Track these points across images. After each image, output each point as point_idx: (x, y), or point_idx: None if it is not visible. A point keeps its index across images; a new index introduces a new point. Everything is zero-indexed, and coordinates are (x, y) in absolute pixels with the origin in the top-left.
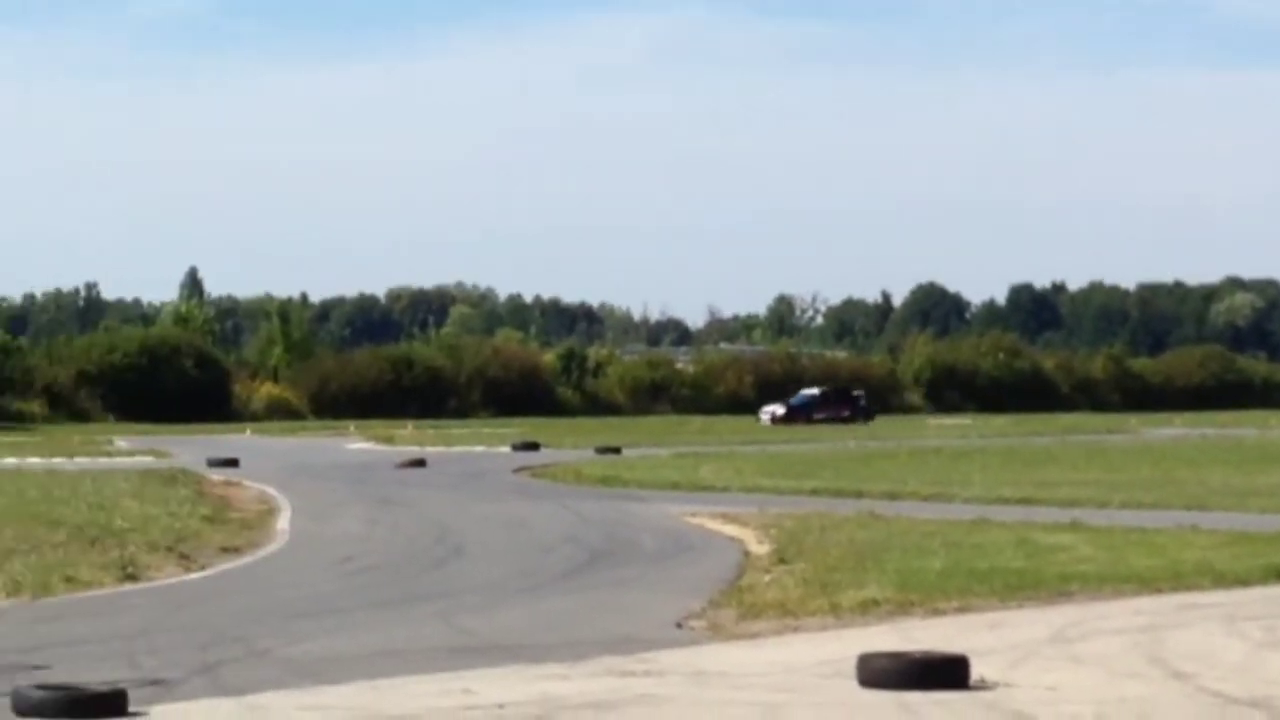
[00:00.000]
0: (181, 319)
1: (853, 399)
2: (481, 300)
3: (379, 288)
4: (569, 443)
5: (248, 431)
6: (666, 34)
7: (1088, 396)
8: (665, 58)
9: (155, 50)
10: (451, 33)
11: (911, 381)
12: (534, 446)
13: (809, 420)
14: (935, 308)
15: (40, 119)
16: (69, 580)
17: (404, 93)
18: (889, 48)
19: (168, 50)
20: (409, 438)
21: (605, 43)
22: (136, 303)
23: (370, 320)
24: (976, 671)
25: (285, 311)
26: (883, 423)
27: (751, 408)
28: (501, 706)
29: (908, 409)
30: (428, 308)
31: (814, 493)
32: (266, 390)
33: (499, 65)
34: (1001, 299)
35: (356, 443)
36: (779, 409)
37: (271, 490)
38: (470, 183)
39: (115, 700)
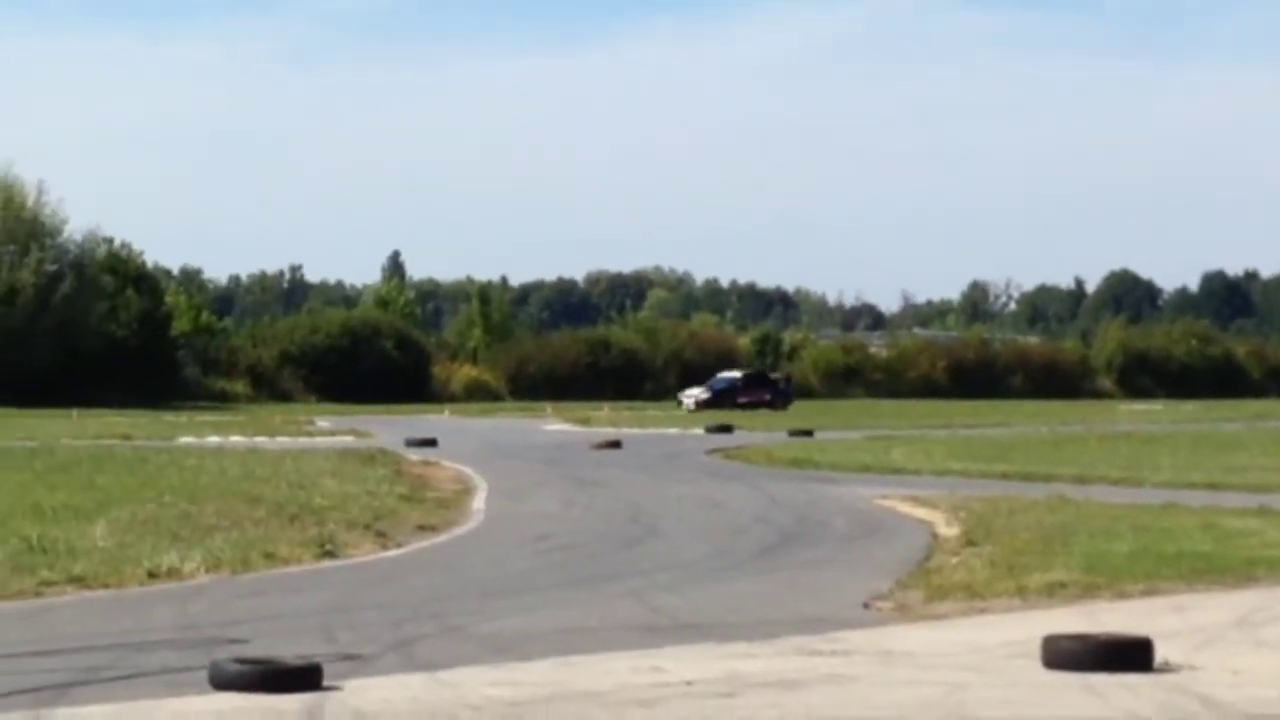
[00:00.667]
0: (383, 301)
1: (772, 383)
2: (679, 284)
3: (578, 271)
4: (762, 425)
5: (446, 412)
6: (863, 24)
7: (1278, 383)
8: (862, 48)
9: (359, 38)
10: (646, 22)
11: (1104, 367)
12: (728, 429)
13: (733, 404)
14: (1128, 294)
15: (246, 108)
16: (268, 556)
17: (603, 81)
18: (1082, 36)
19: (371, 39)
20: (605, 419)
21: (803, 32)
22: (339, 285)
23: (569, 303)
24: (1161, 654)
25: (485, 294)
26: (1072, 407)
27: (945, 393)
28: (690, 684)
29: (1099, 394)
30: (625, 291)
31: (1004, 476)
32: (465, 372)
33: (698, 54)
34: (1194, 286)
35: (553, 424)
36: (702, 393)
37: (468, 470)
38: (668, 169)
39: (310, 674)
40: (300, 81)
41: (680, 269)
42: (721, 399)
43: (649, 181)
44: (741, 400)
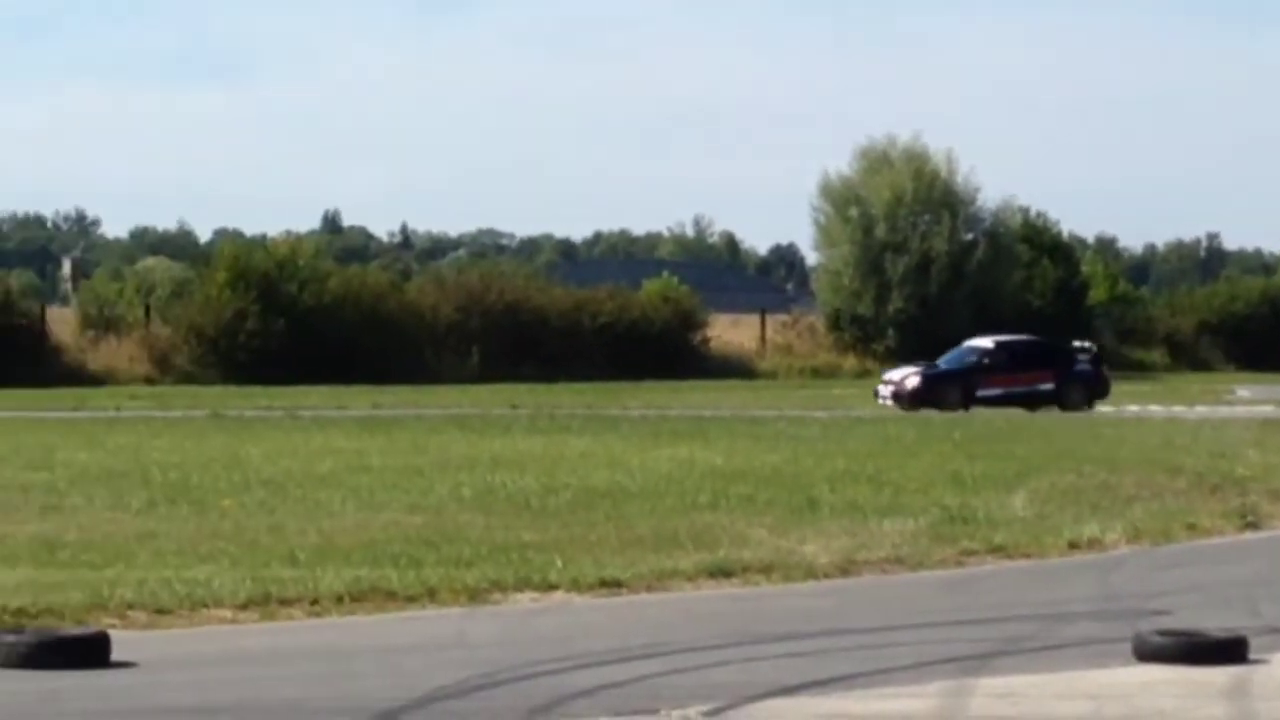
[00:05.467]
0: None
1: None
2: None
3: None
4: None
5: None
6: None
7: None
8: None
9: None
10: None
11: None
12: None
13: None
14: None
15: (1165, 70)
16: (1189, 527)
17: None
18: None
19: None
20: None
21: None
22: (1257, 253)
23: None
24: None
25: None
26: None
27: None
28: None
29: None
30: None
31: None
32: None
33: None
34: None
35: None
36: None
37: None
38: None
39: (1236, 647)
40: (1228, 38)
41: None
42: None
43: None
44: None
